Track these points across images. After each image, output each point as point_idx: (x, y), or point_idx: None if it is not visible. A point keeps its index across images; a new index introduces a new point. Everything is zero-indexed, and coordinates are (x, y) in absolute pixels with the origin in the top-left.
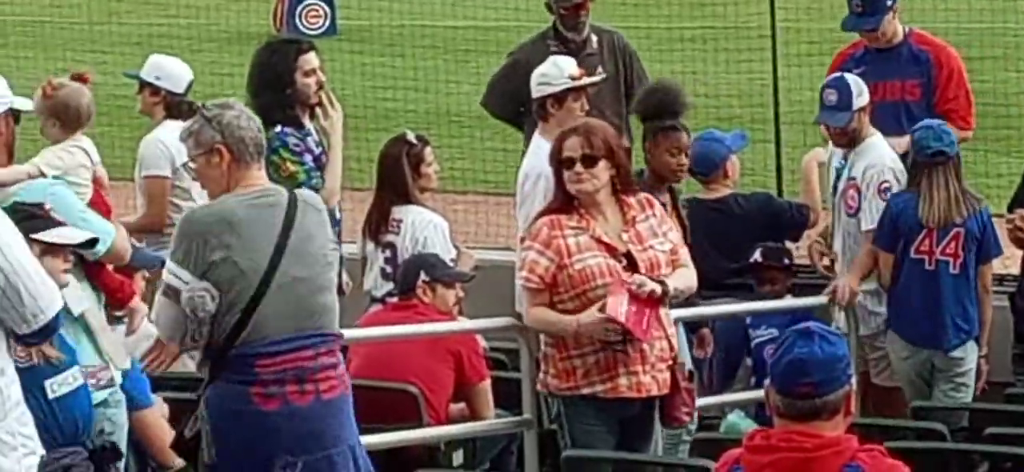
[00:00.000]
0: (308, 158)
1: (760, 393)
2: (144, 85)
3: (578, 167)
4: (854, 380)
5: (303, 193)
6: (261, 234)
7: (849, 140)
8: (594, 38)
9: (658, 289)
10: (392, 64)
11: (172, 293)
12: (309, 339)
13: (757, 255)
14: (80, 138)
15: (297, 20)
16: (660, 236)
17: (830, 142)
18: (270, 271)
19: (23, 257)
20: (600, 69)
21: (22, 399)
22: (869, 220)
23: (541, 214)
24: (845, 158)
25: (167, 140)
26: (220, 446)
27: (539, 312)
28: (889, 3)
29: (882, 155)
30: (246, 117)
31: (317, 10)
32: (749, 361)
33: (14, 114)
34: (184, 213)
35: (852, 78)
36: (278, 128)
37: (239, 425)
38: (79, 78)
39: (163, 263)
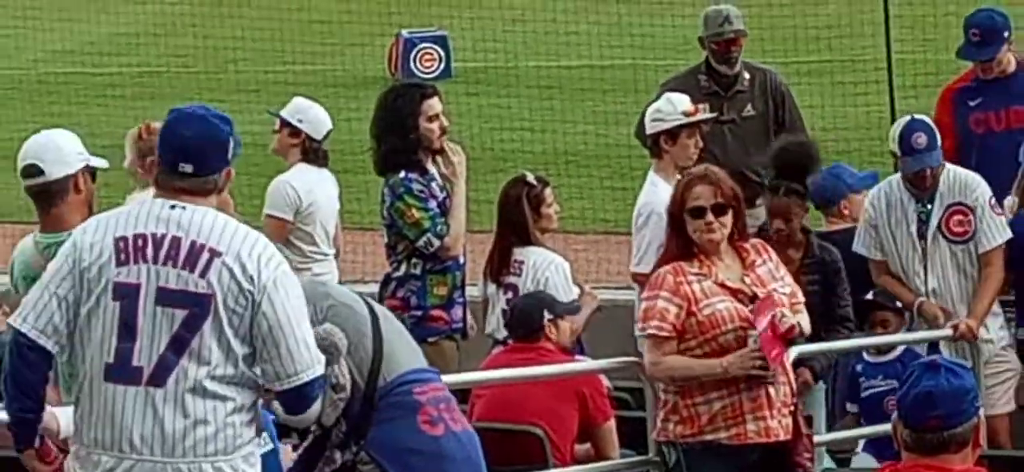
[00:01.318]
0: (433, 204)
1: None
2: (284, 125)
3: (709, 216)
4: (982, 412)
5: None
6: (340, 288)
7: (934, 179)
8: (746, 75)
9: (796, 326)
10: (507, 105)
11: None
12: (433, 372)
13: (870, 295)
14: None
15: (412, 64)
16: (779, 280)
17: (905, 189)
18: (370, 308)
19: (293, 314)
20: (750, 107)
21: (255, 442)
22: (994, 236)
23: (660, 262)
24: (917, 199)
25: (297, 184)
26: None
27: (674, 359)
28: (1006, 34)
29: (972, 173)
30: None
31: (431, 54)
32: (854, 408)
33: (91, 172)
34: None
35: (924, 117)
36: (402, 174)
37: (419, 457)
38: None
39: None
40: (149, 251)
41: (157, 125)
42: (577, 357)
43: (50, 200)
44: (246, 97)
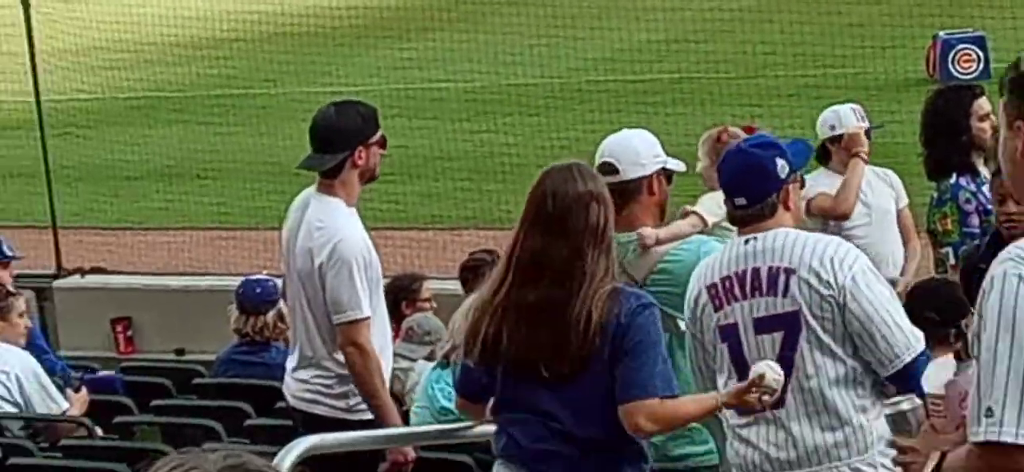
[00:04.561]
0: (974, 219)
1: None
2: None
3: None
4: None
5: None
6: None
7: None
8: None
9: None
10: None
11: None
12: None
13: None
14: None
15: (950, 65)
16: None
17: None
18: None
19: (878, 304)
20: None
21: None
22: None
23: None
24: None
25: None
26: None
27: None
28: None
29: None
30: None
31: (969, 54)
32: None
33: (667, 174)
34: None
35: None
36: (953, 178)
37: None
38: (748, 131)
39: None
40: (737, 290)
41: (734, 129)
42: None
43: (623, 200)
44: (783, 102)
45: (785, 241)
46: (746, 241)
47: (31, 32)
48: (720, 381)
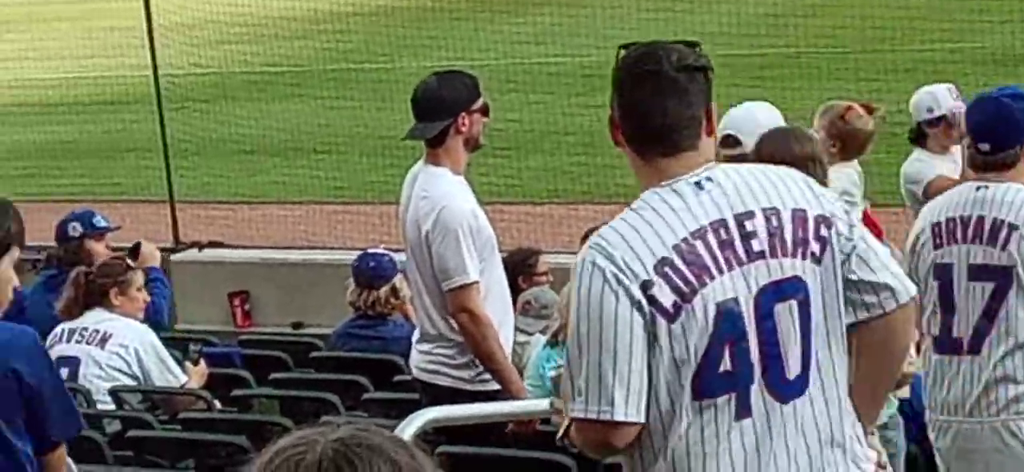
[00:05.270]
0: None
1: None
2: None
3: None
4: None
5: None
6: None
7: None
8: None
9: None
10: None
11: None
12: None
13: None
14: (854, 163)
15: None
16: None
17: None
18: None
19: None
20: None
21: None
22: None
23: None
24: None
25: None
26: None
27: None
28: None
29: None
30: None
31: None
32: None
33: None
34: None
35: None
36: None
37: None
38: (867, 108)
39: None
40: (959, 233)
41: (859, 108)
42: None
43: None
44: (899, 77)
45: (1016, 197)
46: (978, 188)
47: (149, 6)
48: (923, 318)
